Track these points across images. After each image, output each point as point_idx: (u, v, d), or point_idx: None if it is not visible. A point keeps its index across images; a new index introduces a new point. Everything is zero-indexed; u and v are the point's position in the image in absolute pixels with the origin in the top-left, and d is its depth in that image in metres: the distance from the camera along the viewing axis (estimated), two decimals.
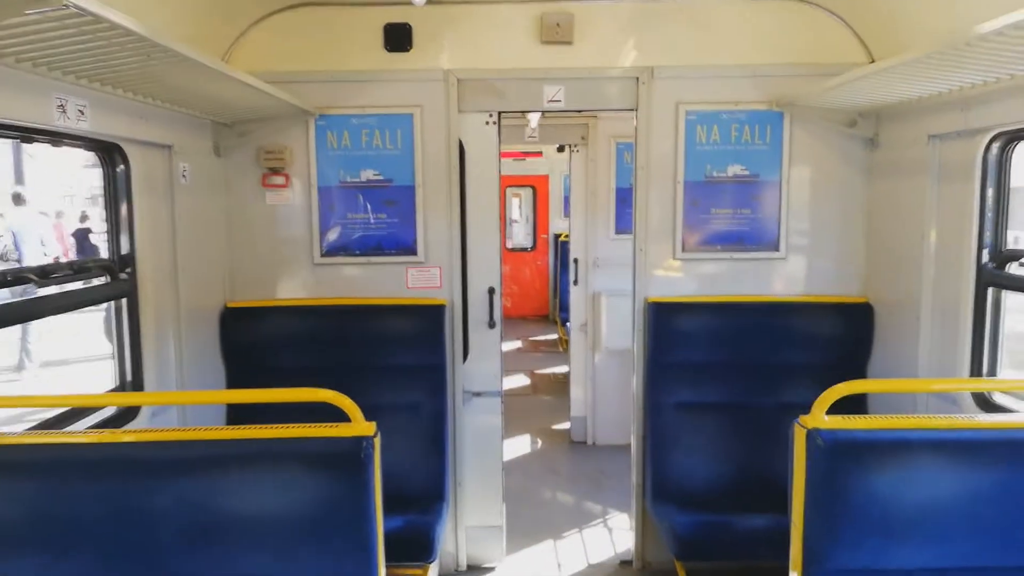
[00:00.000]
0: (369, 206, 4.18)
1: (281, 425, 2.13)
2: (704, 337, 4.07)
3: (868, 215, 4.08)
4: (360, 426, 2.12)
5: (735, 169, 4.13)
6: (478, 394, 4.36)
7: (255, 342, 4.10)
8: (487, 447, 4.39)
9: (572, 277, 6.73)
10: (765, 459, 3.92)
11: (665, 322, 4.08)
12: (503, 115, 4.24)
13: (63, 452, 2.13)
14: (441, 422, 4.08)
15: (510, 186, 13.34)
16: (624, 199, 6.31)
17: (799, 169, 4.12)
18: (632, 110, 4.14)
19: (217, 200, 4.07)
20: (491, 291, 4.30)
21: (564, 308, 9.60)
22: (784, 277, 4.18)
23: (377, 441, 2.12)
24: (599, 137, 6.43)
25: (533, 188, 13.48)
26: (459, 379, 4.27)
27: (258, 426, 2.14)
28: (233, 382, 4.09)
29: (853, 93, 3.51)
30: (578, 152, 6.72)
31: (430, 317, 4.12)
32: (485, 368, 4.36)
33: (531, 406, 8.07)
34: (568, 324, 7.21)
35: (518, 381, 9.13)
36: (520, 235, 13.88)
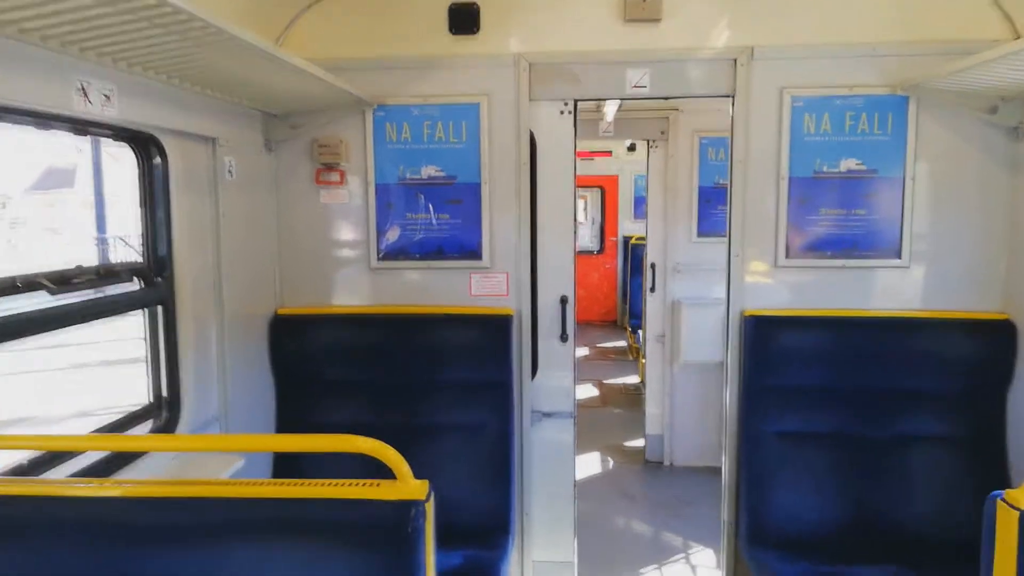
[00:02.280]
0: (431, 206, 3.80)
1: (308, 481, 1.70)
2: (811, 357, 3.54)
3: (1011, 217, 3.49)
4: (408, 486, 1.68)
5: (849, 163, 3.59)
6: (548, 414, 3.93)
7: (308, 353, 3.77)
8: (558, 473, 3.95)
9: (649, 284, 6.25)
10: (883, 500, 3.42)
11: (765, 338, 3.57)
12: (580, 104, 3.80)
13: (32, 507, 1.74)
14: (507, 445, 3.67)
15: (577, 187, 12.90)
16: (708, 199, 5.83)
17: (926, 163, 3.55)
18: (728, 96, 3.64)
19: (266, 198, 3.75)
20: (563, 301, 3.86)
21: (635, 315, 9.11)
22: (906, 289, 3.62)
23: (430, 506, 1.68)
24: (680, 131, 5.94)
25: (602, 189, 13.03)
26: (527, 397, 3.85)
27: (278, 482, 1.72)
28: (284, 395, 3.77)
29: (994, 74, 2.97)
30: (656, 148, 6.23)
31: (495, 328, 3.71)
32: (556, 386, 3.92)
33: (601, 420, 7.59)
34: (639, 332, 6.72)
35: (586, 392, 8.65)
36: (586, 237, 13.44)
